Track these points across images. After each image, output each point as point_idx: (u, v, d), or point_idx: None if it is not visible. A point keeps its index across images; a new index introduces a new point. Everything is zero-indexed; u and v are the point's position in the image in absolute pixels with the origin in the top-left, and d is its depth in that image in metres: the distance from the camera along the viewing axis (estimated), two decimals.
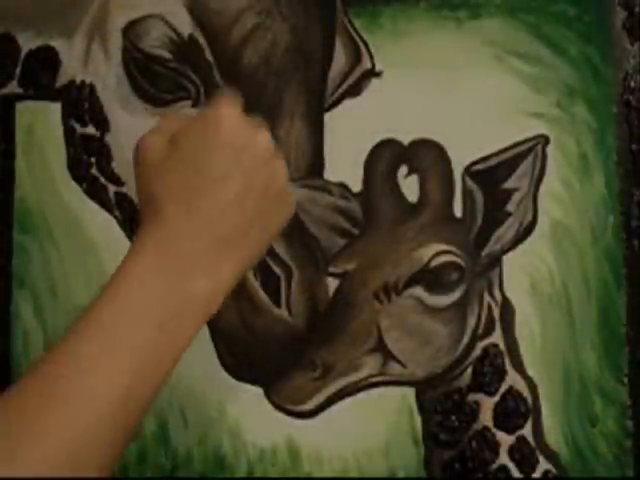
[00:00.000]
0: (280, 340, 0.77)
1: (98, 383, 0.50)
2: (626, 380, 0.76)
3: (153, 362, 0.52)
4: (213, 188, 0.55)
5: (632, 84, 0.77)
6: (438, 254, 0.76)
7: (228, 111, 0.58)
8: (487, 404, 0.77)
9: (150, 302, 0.52)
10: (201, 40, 0.77)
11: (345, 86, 0.79)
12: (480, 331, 0.77)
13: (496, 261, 0.77)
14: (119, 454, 0.52)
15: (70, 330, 0.52)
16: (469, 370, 0.77)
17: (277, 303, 0.76)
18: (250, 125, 0.59)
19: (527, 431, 0.76)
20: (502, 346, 0.77)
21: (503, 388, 0.77)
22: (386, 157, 0.78)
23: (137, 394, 0.51)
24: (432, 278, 0.76)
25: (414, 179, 0.77)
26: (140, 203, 0.58)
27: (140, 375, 0.51)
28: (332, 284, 0.77)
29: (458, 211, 0.77)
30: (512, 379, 0.77)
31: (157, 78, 0.78)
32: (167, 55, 0.77)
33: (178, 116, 0.63)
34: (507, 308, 0.77)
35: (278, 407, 0.78)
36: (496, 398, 0.77)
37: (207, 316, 0.55)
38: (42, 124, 0.83)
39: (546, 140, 0.77)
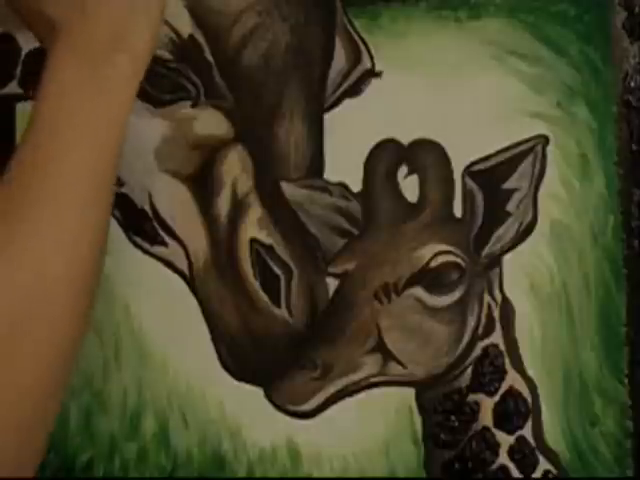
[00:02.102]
0: (280, 340, 0.77)
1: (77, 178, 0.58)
2: (626, 380, 0.76)
3: (109, 135, 0.61)
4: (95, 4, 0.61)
5: (632, 84, 0.77)
6: (438, 254, 0.76)
7: None
8: (487, 404, 0.77)
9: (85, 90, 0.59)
10: (201, 40, 0.77)
11: (345, 86, 0.79)
12: (480, 331, 0.77)
13: (496, 261, 0.77)
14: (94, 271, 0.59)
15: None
16: (469, 370, 0.77)
17: (277, 303, 0.76)
18: None
19: (527, 431, 0.76)
20: (502, 346, 0.77)
21: (503, 388, 0.77)
22: (386, 157, 0.78)
23: (104, 164, 0.60)
24: (432, 278, 0.76)
25: (414, 179, 0.77)
26: (33, 26, 0.63)
27: (104, 138, 0.60)
28: (332, 284, 0.77)
29: (458, 211, 0.77)
30: (512, 379, 0.77)
31: (157, 78, 0.78)
32: (167, 55, 0.77)
33: None
34: (507, 308, 0.77)
35: (278, 407, 0.78)
36: (496, 398, 0.77)
37: (137, 85, 0.62)
38: None
39: (546, 140, 0.77)
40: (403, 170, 0.78)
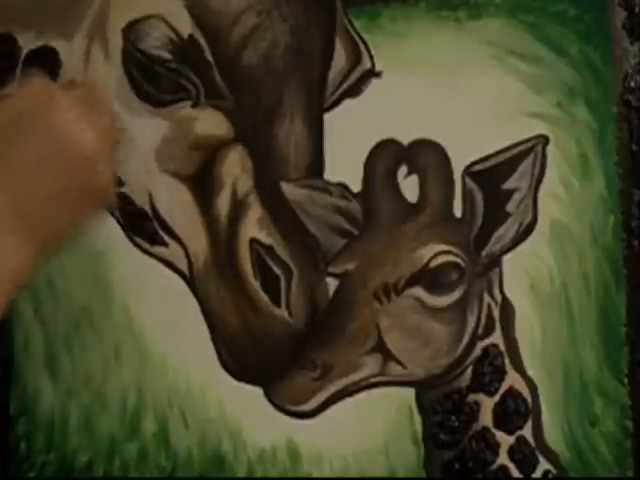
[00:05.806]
0: (280, 340, 0.77)
1: None
2: (626, 380, 0.76)
3: None
4: (29, 177, 0.54)
5: (632, 84, 0.77)
6: (438, 254, 0.76)
7: (67, 100, 0.55)
8: (487, 404, 0.77)
9: None
10: (201, 40, 0.77)
11: (345, 86, 0.79)
12: (480, 331, 0.77)
13: (496, 261, 0.77)
14: None
15: None
16: (469, 370, 0.77)
17: (277, 303, 0.76)
18: (85, 117, 0.56)
19: (527, 431, 0.76)
20: (502, 346, 0.77)
21: (503, 388, 0.77)
22: (386, 157, 0.78)
23: None
24: (432, 278, 0.76)
25: (414, 179, 0.77)
26: None
27: None
28: (332, 284, 0.77)
29: (458, 211, 0.77)
30: (512, 379, 0.77)
31: (157, 78, 0.78)
32: (167, 56, 0.77)
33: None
34: (507, 308, 0.77)
35: (278, 407, 0.78)
36: (496, 398, 0.77)
37: (13, 292, 0.55)
38: None
39: (546, 140, 0.77)
40: (403, 170, 0.78)
